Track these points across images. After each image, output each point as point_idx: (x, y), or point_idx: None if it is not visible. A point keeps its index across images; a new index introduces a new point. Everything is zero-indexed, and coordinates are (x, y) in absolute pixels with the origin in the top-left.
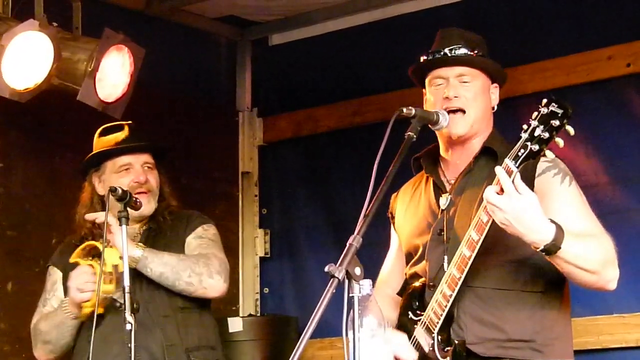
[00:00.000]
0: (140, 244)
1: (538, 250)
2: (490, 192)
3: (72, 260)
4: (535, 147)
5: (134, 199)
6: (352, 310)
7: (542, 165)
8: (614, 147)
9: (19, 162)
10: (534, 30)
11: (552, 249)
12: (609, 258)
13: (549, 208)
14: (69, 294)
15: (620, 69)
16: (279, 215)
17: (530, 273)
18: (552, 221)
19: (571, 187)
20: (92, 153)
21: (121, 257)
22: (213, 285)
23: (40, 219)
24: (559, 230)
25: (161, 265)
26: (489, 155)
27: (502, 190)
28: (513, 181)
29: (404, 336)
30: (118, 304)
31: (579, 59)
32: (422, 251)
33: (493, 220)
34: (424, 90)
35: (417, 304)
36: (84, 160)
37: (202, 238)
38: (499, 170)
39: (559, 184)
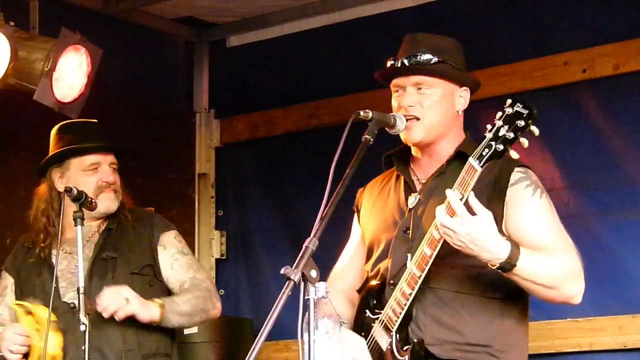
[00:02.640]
0: (156, 300)
1: (494, 268)
2: (441, 214)
3: (13, 305)
4: (500, 147)
5: (90, 199)
6: (307, 313)
7: (515, 175)
8: (570, 153)
9: None
10: (491, 35)
11: (506, 267)
12: (570, 273)
13: (518, 218)
14: (1, 346)
15: (576, 75)
16: (235, 217)
17: (491, 279)
18: (509, 239)
19: (542, 199)
20: (61, 149)
21: (63, 349)
22: (216, 313)
23: None
24: (515, 248)
25: (179, 318)
26: (462, 159)
27: (453, 211)
28: (467, 201)
29: (361, 340)
30: (72, 305)
31: (535, 65)
32: (386, 248)
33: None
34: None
35: (374, 302)
36: (49, 156)
37: (184, 254)
38: (449, 193)
39: (530, 196)
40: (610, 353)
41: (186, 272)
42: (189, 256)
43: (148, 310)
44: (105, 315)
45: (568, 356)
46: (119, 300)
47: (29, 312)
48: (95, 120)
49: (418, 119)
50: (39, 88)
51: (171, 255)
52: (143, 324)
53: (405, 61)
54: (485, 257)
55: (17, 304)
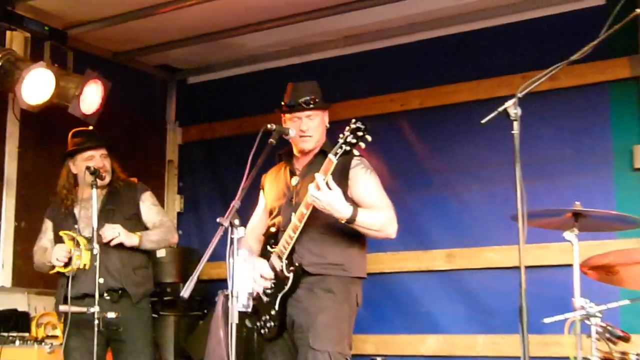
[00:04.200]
0: (137, 233)
1: (342, 222)
2: (312, 189)
3: (62, 233)
4: (348, 148)
5: (101, 174)
6: (232, 245)
7: (354, 162)
8: (391, 154)
9: (31, 149)
10: (345, 82)
11: (350, 220)
12: (389, 221)
13: (358, 189)
14: (52, 256)
15: (397, 107)
16: (190, 187)
17: (341, 226)
18: (352, 203)
19: (372, 176)
20: (69, 149)
21: (72, 239)
22: (175, 242)
23: (43, 184)
24: (355, 209)
25: (150, 243)
26: (323, 154)
27: (319, 187)
28: (327, 182)
29: (264, 261)
30: (89, 238)
31: (372, 100)
32: (279, 210)
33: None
34: (283, 115)
35: (272, 241)
36: (65, 152)
37: (155, 205)
38: (317, 176)
39: (364, 174)
40: (410, 273)
41: (156, 216)
42: (158, 207)
43: (131, 239)
44: (105, 241)
45: (385, 275)
46: (114, 232)
47: (72, 238)
48: (92, 128)
49: (311, 136)
50: (71, 105)
51: (148, 206)
52: (132, 248)
53: (302, 102)
54: (337, 215)
55: (64, 233)
